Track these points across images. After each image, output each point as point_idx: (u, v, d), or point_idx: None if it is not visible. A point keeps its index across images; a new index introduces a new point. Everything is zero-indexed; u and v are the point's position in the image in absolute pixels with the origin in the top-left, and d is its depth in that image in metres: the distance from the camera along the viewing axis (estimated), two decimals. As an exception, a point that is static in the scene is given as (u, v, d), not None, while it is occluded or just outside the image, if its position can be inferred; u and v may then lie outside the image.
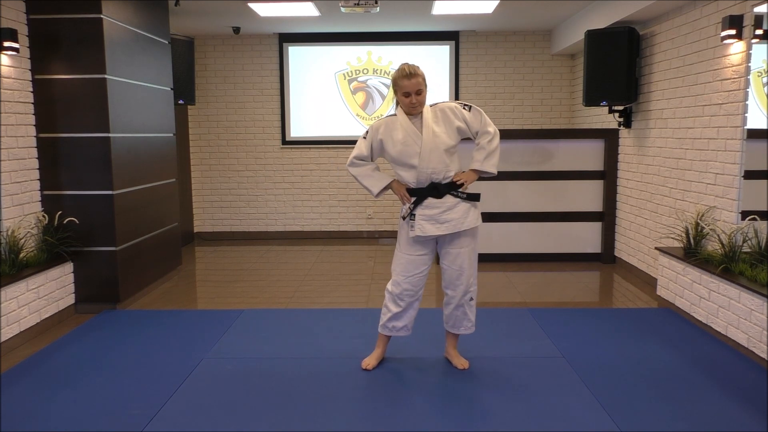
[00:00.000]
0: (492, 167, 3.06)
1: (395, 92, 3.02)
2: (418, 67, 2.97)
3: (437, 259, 3.22)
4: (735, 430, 2.59)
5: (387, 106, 7.16)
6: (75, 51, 4.14)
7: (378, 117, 7.08)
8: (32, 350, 3.61)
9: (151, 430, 2.62)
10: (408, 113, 3.02)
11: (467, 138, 3.09)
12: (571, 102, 7.10)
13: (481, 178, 3.12)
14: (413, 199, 3.05)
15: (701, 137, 4.21)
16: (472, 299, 3.19)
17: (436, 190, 3.01)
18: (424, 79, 2.97)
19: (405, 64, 2.99)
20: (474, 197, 3.08)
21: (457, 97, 7.10)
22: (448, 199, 3.02)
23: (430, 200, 3.01)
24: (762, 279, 3.38)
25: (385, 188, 3.12)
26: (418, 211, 3.03)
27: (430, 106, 3.04)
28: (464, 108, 3.03)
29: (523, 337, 3.74)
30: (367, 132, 3.08)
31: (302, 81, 7.15)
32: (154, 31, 4.98)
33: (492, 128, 3.05)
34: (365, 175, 3.10)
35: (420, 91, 2.95)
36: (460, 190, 3.03)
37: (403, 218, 3.09)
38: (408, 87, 2.93)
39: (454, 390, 3.01)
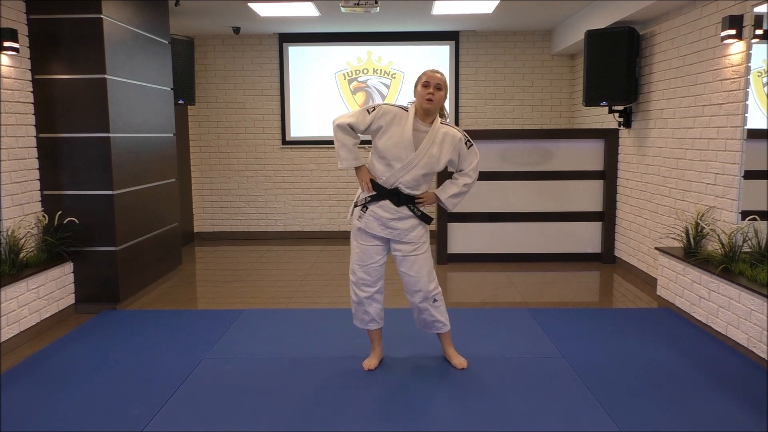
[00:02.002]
0: (452, 206, 3.18)
1: (415, 88, 3.02)
2: (442, 72, 3.04)
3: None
4: (735, 430, 2.59)
5: (387, 106, 7.15)
6: (75, 51, 4.14)
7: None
8: (32, 350, 3.61)
9: (151, 430, 2.62)
10: (422, 108, 2.98)
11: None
12: (571, 102, 7.10)
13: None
14: (373, 193, 3.06)
15: (701, 137, 4.21)
16: (435, 301, 3.18)
17: (397, 197, 3.04)
18: (446, 84, 3.01)
19: None
20: (426, 219, 3.12)
21: (457, 98, 7.10)
22: (403, 210, 3.05)
23: (386, 203, 3.04)
24: (762, 279, 3.38)
25: (353, 167, 3.11)
26: (372, 207, 3.06)
27: (442, 123, 3.05)
28: (466, 143, 3.05)
29: (523, 337, 3.73)
30: (374, 108, 3.03)
31: (302, 81, 7.15)
32: (154, 31, 4.98)
33: (476, 175, 3.11)
34: (346, 145, 3.06)
35: (440, 87, 2.96)
36: (417, 206, 3.07)
37: (355, 205, 3.12)
38: (430, 78, 2.96)
39: (454, 390, 3.01)
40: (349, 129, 3.04)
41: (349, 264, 3.23)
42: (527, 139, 5.79)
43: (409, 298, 3.20)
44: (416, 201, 3.06)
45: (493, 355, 3.43)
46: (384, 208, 3.05)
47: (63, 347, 3.64)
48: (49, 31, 4.12)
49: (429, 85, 2.95)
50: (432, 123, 3.02)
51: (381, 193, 3.05)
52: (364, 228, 3.09)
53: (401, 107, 3.05)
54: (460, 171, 3.10)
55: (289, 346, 3.60)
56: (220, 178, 7.29)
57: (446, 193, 3.12)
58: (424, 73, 3.00)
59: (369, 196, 3.07)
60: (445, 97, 3.02)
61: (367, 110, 3.03)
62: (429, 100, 2.94)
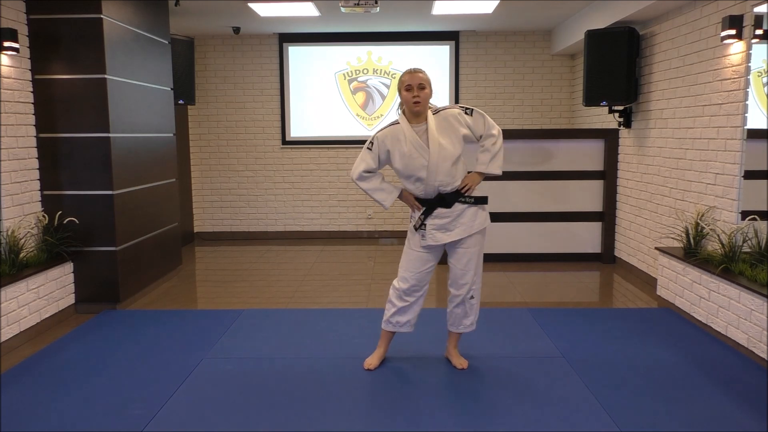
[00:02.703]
0: (497, 169, 3.08)
1: (399, 93, 3.02)
2: (422, 69, 3.01)
3: (443, 258, 3.23)
4: (735, 430, 2.59)
5: (387, 106, 7.16)
6: (75, 51, 4.14)
7: (378, 117, 7.10)
8: (32, 350, 3.61)
9: (151, 430, 2.62)
10: (411, 112, 2.99)
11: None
12: (571, 102, 7.10)
13: (485, 178, 3.14)
14: (423, 209, 3.06)
15: (701, 137, 4.21)
16: (473, 297, 3.19)
17: (444, 200, 3.03)
18: (428, 81, 2.98)
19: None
20: (481, 200, 3.10)
21: (457, 98, 7.10)
22: (457, 207, 3.04)
23: (439, 210, 3.04)
24: (762, 279, 3.38)
25: (397, 198, 3.14)
26: (429, 221, 3.06)
27: (433, 113, 3.03)
28: (466, 113, 3.03)
29: (523, 337, 3.73)
30: (371, 143, 3.05)
31: (302, 81, 7.15)
32: (154, 31, 4.98)
33: (496, 130, 3.06)
34: (375, 189, 3.10)
35: (422, 86, 2.94)
36: (467, 195, 3.05)
37: (415, 228, 3.11)
38: (410, 80, 2.94)
39: (454, 390, 3.01)
40: (366, 174, 3.08)
41: (398, 273, 3.18)
42: (527, 139, 5.78)
43: (452, 291, 3.19)
44: (462, 190, 3.04)
45: (493, 355, 3.43)
46: (440, 216, 3.04)
47: (63, 347, 3.64)
48: (49, 31, 4.12)
49: (412, 88, 2.94)
50: (425, 120, 3.02)
51: (429, 206, 3.05)
52: (433, 243, 3.06)
53: (391, 124, 3.06)
54: (480, 136, 3.06)
55: (289, 346, 3.60)
56: (220, 178, 7.29)
57: (484, 163, 3.06)
58: (405, 75, 2.98)
59: (422, 214, 3.07)
60: (431, 94, 3.00)
61: (368, 149, 3.06)
62: (416, 102, 2.94)
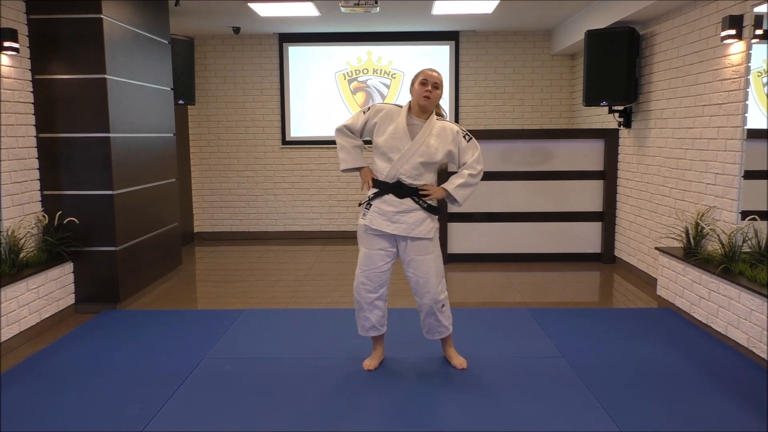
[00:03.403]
0: (462, 198, 3.10)
1: (412, 86, 3.05)
2: (439, 72, 3.07)
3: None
4: (735, 430, 2.59)
5: (387, 106, 7.15)
6: (75, 51, 4.14)
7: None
8: (32, 350, 3.61)
9: (151, 430, 2.62)
10: (418, 105, 3.01)
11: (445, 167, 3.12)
12: (571, 102, 7.10)
13: (445, 201, 3.17)
14: (375, 190, 3.07)
15: (701, 137, 4.21)
16: (443, 306, 3.16)
17: (400, 189, 3.03)
18: (442, 83, 3.04)
19: None
20: (433, 210, 3.09)
21: (457, 98, 7.10)
22: (407, 202, 3.03)
23: (390, 197, 3.03)
24: (762, 279, 3.38)
25: (354, 169, 3.14)
26: (375, 203, 3.06)
27: (437, 118, 3.07)
28: (464, 137, 3.06)
29: (523, 337, 3.73)
30: (368, 108, 3.10)
31: (302, 81, 7.15)
32: (154, 31, 4.98)
33: (480, 167, 3.08)
34: (345, 147, 3.13)
35: (437, 85, 2.99)
36: (422, 198, 3.05)
37: (359, 204, 3.14)
38: (428, 76, 2.99)
39: (454, 390, 3.01)
40: (347, 131, 3.11)
41: (357, 275, 3.17)
42: (527, 139, 5.78)
43: (417, 300, 3.18)
44: (421, 193, 3.04)
45: (493, 355, 3.43)
46: (388, 203, 3.04)
47: (63, 347, 3.64)
48: (49, 31, 4.12)
49: (427, 83, 2.99)
50: (428, 119, 3.04)
51: (383, 187, 3.05)
52: (369, 225, 3.06)
53: (395, 105, 3.11)
54: (463, 164, 3.08)
55: (289, 346, 3.59)
56: (220, 178, 7.29)
57: (452, 184, 3.07)
58: (422, 72, 3.04)
59: (372, 194, 3.07)
60: (441, 97, 3.06)
61: (363, 111, 3.11)
62: (426, 97, 2.97)
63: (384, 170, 3.04)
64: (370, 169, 3.13)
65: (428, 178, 3.08)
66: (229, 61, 7.11)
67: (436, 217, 3.13)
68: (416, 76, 3.04)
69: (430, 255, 3.09)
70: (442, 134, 3.03)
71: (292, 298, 4.70)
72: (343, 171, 3.16)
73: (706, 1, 4.14)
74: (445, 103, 7.02)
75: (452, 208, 5.28)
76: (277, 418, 2.73)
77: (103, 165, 4.21)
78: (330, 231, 7.32)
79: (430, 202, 3.08)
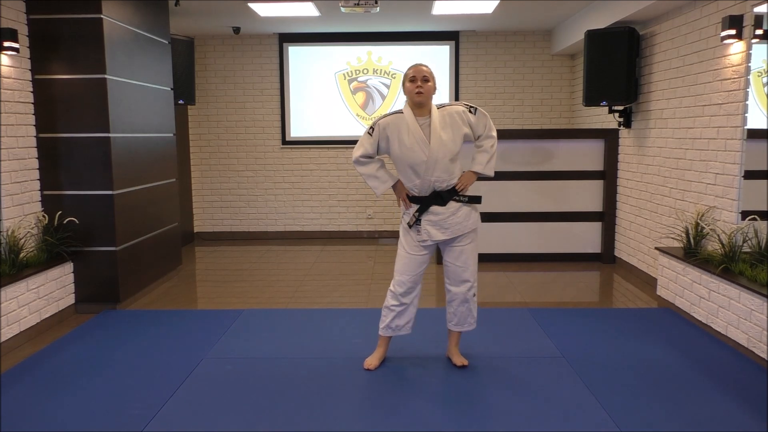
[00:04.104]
0: (492, 171, 3.13)
1: (403, 86, 3.04)
2: (426, 64, 3.06)
3: (437, 258, 3.24)
4: (735, 430, 2.59)
5: (387, 106, 7.16)
6: (75, 51, 4.14)
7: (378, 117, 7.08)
8: (32, 350, 3.61)
9: (151, 430, 2.62)
10: (414, 103, 3.00)
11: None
12: (571, 102, 7.10)
13: (479, 179, 3.16)
14: (415, 207, 3.07)
15: (701, 137, 4.21)
16: (474, 295, 3.22)
17: (440, 198, 3.04)
18: (432, 75, 3.02)
19: None
20: (475, 200, 3.13)
21: (457, 98, 7.10)
22: (451, 205, 3.06)
23: (434, 207, 3.05)
24: (762, 279, 3.38)
25: (390, 188, 3.15)
26: (424, 218, 3.07)
27: (438, 108, 3.05)
28: (470, 111, 3.05)
29: (523, 337, 3.73)
30: (372, 128, 3.06)
31: (302, 81, 7.15)
32: (154, 31, 4.98)
33: (495, 132, 3.11)
34: (370, 175, 3.11)
35: (426, 79, 2.97)
36: (461, 194, 3.07)
37: (409, 225, 3.11)
38: (415, 72, 2.99)
39: (454, 390, 3.01)
40: (364, 160, 3.09)
41: (394, 276, 3.18)
42: (527, 139, 5.78)
43: (452, 290, 3.19)
44: (458, 188, 3.06)
45: (493, 355, 3.43)
46: (434, 213, 3.06)
47: (63, 347, 3.64)
48: (49, 31, 4.12)
49: (416, 80, 2.97)
50: (429, 114, 3.03)
51: (424, 203, 3.06)
52: (428, 239, 3.07)
53: (395, 112, 3.08)
54: (479, 137, 3.09)
55: (289, 346, 3.59)
56: (220, 178, 7.29)
57: (480, 164, 3.10)
58: (410, 69, 3.03)
59: (416, 212, 3.07)
60: (434, 89, 3.03)
61: (368, 133, 3.07)
62: (419, 93, 2.96)
63: (415, 184, 3.05)
64: (401, 183, 3.12)
65: (459, 172, 3.08)
66: (229, 61, 7.11)
67: (479, 204, 3.15)
68: (405, 75, 3.04)
69: (472, 243, 3.15)
70: (450, 122, 3.01)
71: (292, 298, 4.70)
72: (381, 194, 3.17)
73: (706, 1, 4.14)
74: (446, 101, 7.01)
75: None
76: (277, 418, 2.73)
77: (103, 165, 4.21)
78: (330, 231, 7.32)
79: (468, 194, 3.10)
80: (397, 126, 3.02)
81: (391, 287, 3.19)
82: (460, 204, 3.07)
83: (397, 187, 3.12)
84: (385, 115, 3.09)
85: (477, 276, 3.22)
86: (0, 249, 3.78)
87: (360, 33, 7.01)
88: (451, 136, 2.99)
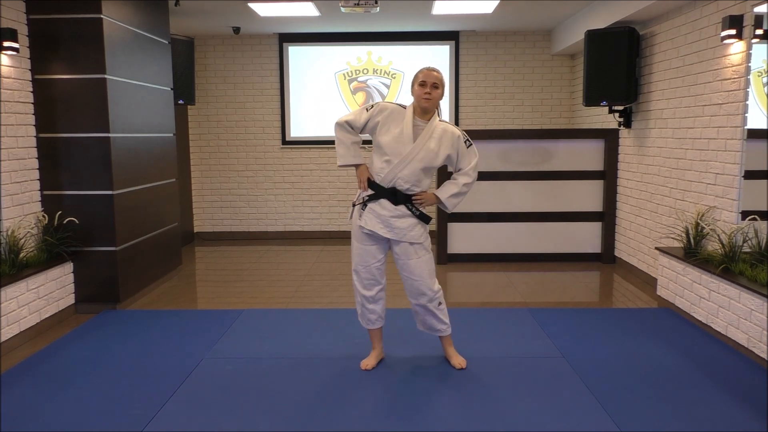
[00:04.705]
0: (452, 206, 3.16)
1: (412, 87, 3.04)
2: (439, 70, 3.05)
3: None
4: (735, 430, 2.59)
5: (387, 106, 7.15)
6: (75, 51, 4.14)
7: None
8: (32, 350, 3.61)
9: (151, 430, 2.62)
10: (420, 107, 3.01)
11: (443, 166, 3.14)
12: (571, 102, 7.10)
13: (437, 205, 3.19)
14: (370, 192, 3.08)
15: (701, 137, 4.21)
16: (440, 304, 3.20)
17: (395, 196, 3.05)
18: (442, 82, 3.02)
19: None
20: (425, 218, 3.12)
21: (457, 98, 7.10)
22: (401, 209, 3.06)
23: (385, 201, 3.06)
24: (762, 279, 3.38)
25: (351, 165, 3.13)
26: (370, 205, 3.07)
27: (440, 120, 3.06)
28: (465, 142, 3.07)
29: (523, 337, 3.73)
30: (372, 106, 3.07)
31: (302, 81, 7.15)
32: (154, 31, 4.98)
33: (475, 174, 3.11)
34: (344, 143, 3.10)
35: (436, 85, 2.98)
36: (415, 206, 3.07)
37: (353, 204, 3.14)
38: (426, 77, 2.98)
39: (454, 390, 3.01)
40: (347, 126, 3.08)
41: (352, 265, 3.22)
42: (527, 139, 5.78)
43: (412, 301, 3.20)
44: (414, 200, 3.06)
45: (493, 355, 3.43)
46: (383, 206, 3.06)
47: (63, 347, 3.64)
48: (49, 31, 4.12)
49: (426, 84, 2.97)
50: (430, 120, 3.04)
51: (379, 192, 3.06)
52: (364, 225, 3.08)
53: (399, 104, 3.09)
54: (459, 170, 3.11)
55: (289, 346, 3.59)
56: (220, 178, 7.29)
57: (446, 193, 3.12)
58: (421, 71, 3.02)
59: (368, 195, 3.08)
60: (442, 96, 3.04)
61: (366, 108, 3.08)
62: (427, 99, 2.96)
63: (382, 172, 3.04)
64: (366, 167, 3.13)
65: (426, 184, 3.10)
66: (229, 61, 7.11)
67: (428, 225, 3.16)
68: (415, 77, 3.03)
69: (422, 258, 3.12)
70: (443, 137, 3.02)
71: (292, 298, 4.70)
72: (340, 166, 3.17)
73: (706, 1, 4.14)
74: (445, 103, 7.03)
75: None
76: (277, 418, 2.73)
77: (103, 165, 4.21)
78: (330, 231, 7.32)
79: (422, 209, 3.10)
80: (395, 116, 3.03)
81: (353, 276, 3.21)
82: (409, 213, 3.06)
83: (360, 169, 3.12)
84: (389, 102, 3.11)
85: (437, 284, 3.18)
86: (0, 249, 3.78)
87: (360, 33, 7.01)
88: (436, 149, 3.00)
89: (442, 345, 3.34)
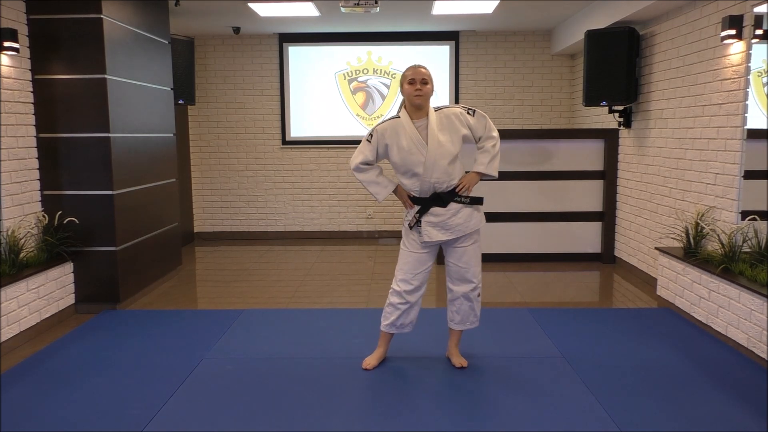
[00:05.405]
0: (495, 171, 3.11)
1: (401, 87, 3.04)
2: (425, 66, 3.05)
3: (439, 258, 3.23)
4: (735, 430, 2.59)
5: (387, 106, 7.16)
6: (75, 51, 4.14)
7: (378, 117, 7.09)
8: (32, 350, 3.61)
9: (151, 430, 2.62)
10: (412, 105, 3.00)
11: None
12: (571, 102, 7.10)
13: (482, 180, 3.15)
14: (417, 207, 3.07)
15: (701, 137, 4.21)
16: (479, 294, 3.23)
17: (440, 199, 3.04)
18: (430, 77, 3.02)
19: None
20: (477, 201, 3.11)
21: (457, 98, 7.10)
22: (452, 206, 3.05)
23: (435, 209, 3.05)
24: (762, 279, 3.38)
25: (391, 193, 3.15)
26: (424, 219, 3.06)
27: (435, 110, 3.05)
28: (468, 113, 3.05)
29: (523, 337, 3.73)
30: (371, 135, 3.07)
31: (302, 81, 7.15)
32: (154, 31, 4.98)
33: (496, 132, 3.10)
34: (371, 181, 3.12)
35: (425, 81, 2.97)
36: (463, 195, 3.06)
37: (410, 227, 3.12)
38: (413, 74, 2.98)
39: (454, 390, 3.01)
40: (364, 167, 3.09)
41: (398, 275, 3.17)
42: (527, 139, 5.78)
43: (454, 289, 3.19)
44: (459, 190, 3.05)
45: (493, 355, 3.43)
46: (435, 214, 3.05)
47: (63, 347, 3.64)
48: (49, 31, 4.12)
49: (415, 82, 2.97)
50: (426, 116, 3.03)
51: (425, 204, 3.06)
52: (428, 240, 3.06)
53: (392, 117, 3.08)
54: (480, 138, 3.09)
55: (289, 346, 3.59)
56: (220, 178, 7.29)
57: (482, 164, 3.08)
58: (409, 69, 3.03)
59: (417, 213, 3.08)
60: (432, 91, 3.03)
61: (367, 140, 3.08)
62: (418, 95, 2.97)
63: (415, 186, 3.05)
64: (401, 188, 3.12)
65: (459, 174, 3.08)
66: (229, 61, 7.11)
67: (482, 205, 3.15)
68: (404, 76, 3.03)
69: (475, 244, 3.14)
70: (447, 124, 3.01)
71: (292, 298, 4.70)
72: (382, 201, 3.18)
73: (706, 1, 4.14)
74: (446, 103, 7.02)
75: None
76: (277, 418, 2.73)
77: (103, 165, 4.21)
78: (330, 231, 7.32)
79: (470, 195, 3.09)
80: (395, 131, 3.02)
81: (395, 285, 3.19)
82: (461, 205, 3.06)
83: (398, 191, 3.13)
84: (383, 122, 3.10)
85: (481, 277, 3.21)
86: (0, 249, 3.78)
87: (360, 33, 7.01)
88: (449, 138, 2.99)
89: (450, 342, 3.33)
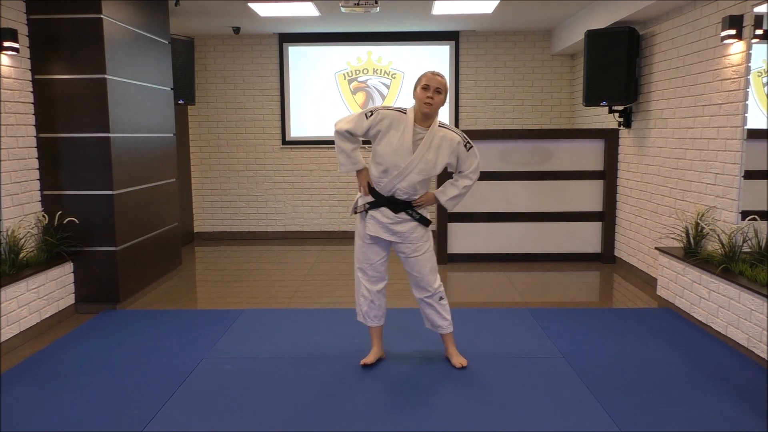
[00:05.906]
0: (451, 208, 3.23)
1: (414, 90, 3.02)
2: (443, 75, 3.02)
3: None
4: (735, 430, 2.59)
5: (387, 106, 7.16)
6: (75, 51, 4.14)
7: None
8: (32, 350, 3.61)
9: (151, 430, 2.62)
10: (420, 112, 2.98)
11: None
12: (571, 102, 7.10)
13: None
14: (370, 199, 3.10)
15: (701, 137, 4.21)
16: (441, 299, 3.23)
17: (393, 205, 3.07)
18: (446, 88, 2.98)
19: None
20: (425, 222, 3.14)
21: (457, 98, 7.10)
22: (402, 216, 3.09)
23: (385, 209, 3.08)
24: (762, 279, 3.38)
25: (354, 171, 3.16)
26: (372, 213, 3.10)
27: (440, 126, 3.04)
28: (465, 146, 3.05)
29: (523, 337, 3.73)
30: (371, 113, 3.02)
31: (302, 81, 7.15)
32: (154, 31, 4.98)
33: (476, 177, 3.13)
34: (345, 151, 3.10)
35: (439, 90, 2.95)
36: (415, 210, 3.10)
37: (355, 211, 3.17)
38: (430, 80, 2.95)
39: (454, 390, 3.01)
40: (348, 135, 3.06)
41: (355, 263, 3.24)
42: (527, 139, 5.79)
43: (415, 295, 3.25)
44: (414, 203, 3.09)
45: (493, 355, 3.43)
46: (383, 214, 3.08)
47: (63, 347, 3.64)
48: (49, 31, 4.12)
49: (429, 89, 2.93)
50: (430, 126, 3.02)
51: (379, 200, 3.08)
52: (368, 232, 3.12)
53: (400, 110, 3.04)
54: (460, 173, 3.11)
55: (289, 346, 3.60)
56: (220, 178, 7.29)
57: (446, 195, 3.15)
58: (425, 75, 2.99)
59: (368, 203, 3.10)
60: (444, 102, 3.01)
61: (365, 114, 3.02)
62: (428, 104, 2.93)
63: (380, 182, 3.06)
64: (367, 172, 3.13)
65: (424, 188, 3.12)
66: (229, 61, 7.11)
67: (428, 227, 3.18)
68: (419, 80, 2.99)
69: (424, 254, 3.16)
70: (442, 145, 3.00)
71: (292, 298, 4.70)
72: (342, 172, 3.20)
73: (706, 1, 4.14)
74: (446, 103, 7.01)
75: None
76: (277, 418, 2.73)
77: (103, 165, 4.21)
78: (330, 231, 7.32)
79: (421, 212, 3.13)
80: (395, 125, 3.00)
81: (357, 273, 3.24)
82: (409, 218, 3.09)
83: (361, 173, 3.12)
84: (390, 108, 3.05)
85: (439, 279, 3.22)
86: (0, 249, 3.78)
87: (360, 33, 7.01)
88: (434, 160, 3.00)
89: (444, 344, 3.34)
